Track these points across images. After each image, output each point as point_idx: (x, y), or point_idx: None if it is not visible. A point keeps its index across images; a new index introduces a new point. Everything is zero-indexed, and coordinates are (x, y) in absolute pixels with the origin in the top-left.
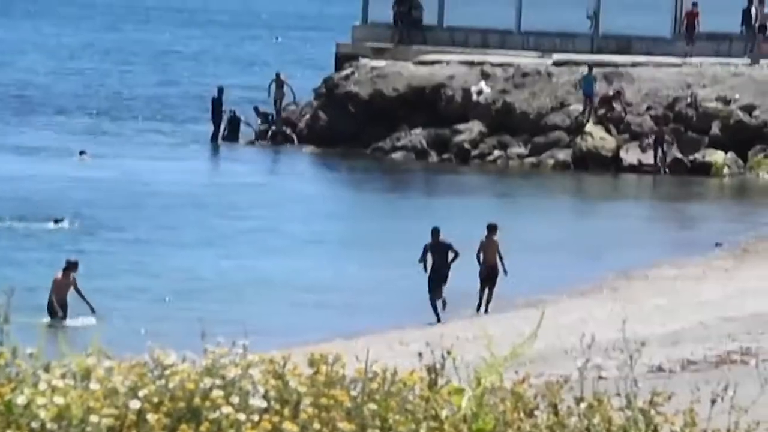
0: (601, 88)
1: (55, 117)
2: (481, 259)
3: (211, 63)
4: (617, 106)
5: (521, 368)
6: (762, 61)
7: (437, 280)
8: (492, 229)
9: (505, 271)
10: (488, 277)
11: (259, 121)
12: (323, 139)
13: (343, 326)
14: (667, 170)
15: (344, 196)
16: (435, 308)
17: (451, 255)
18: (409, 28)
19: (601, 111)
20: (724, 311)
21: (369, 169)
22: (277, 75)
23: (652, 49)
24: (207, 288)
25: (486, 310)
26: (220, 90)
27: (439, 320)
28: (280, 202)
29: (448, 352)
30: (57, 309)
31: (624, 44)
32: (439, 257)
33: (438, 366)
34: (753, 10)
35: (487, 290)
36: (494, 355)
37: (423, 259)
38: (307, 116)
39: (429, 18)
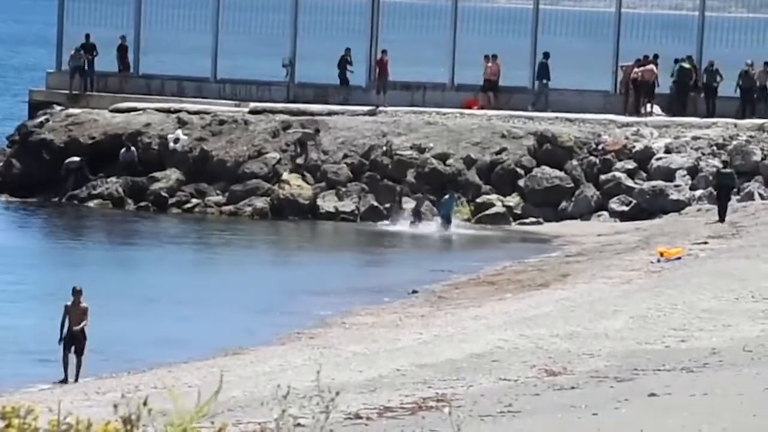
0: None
1: None
2: (66, 325)
3: None
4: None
5: (219, 417)
6: (455, 110)
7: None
8: (77, 293)
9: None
10: (72, 342)
11: None
12: (17, 187)
13: (37, 376)
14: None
15: (35, 247)
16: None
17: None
18: (87, 78)
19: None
20: (420, 358)
21: (63, 217)
22: None
23: (348, 98)
24: None
25: (76, 379)
26: None
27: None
28: None
29: (144, 403)
30: None
31: (321, 93)
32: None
33: (134, 417)
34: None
35: (75, 357)
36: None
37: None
38: (0, 164)
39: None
